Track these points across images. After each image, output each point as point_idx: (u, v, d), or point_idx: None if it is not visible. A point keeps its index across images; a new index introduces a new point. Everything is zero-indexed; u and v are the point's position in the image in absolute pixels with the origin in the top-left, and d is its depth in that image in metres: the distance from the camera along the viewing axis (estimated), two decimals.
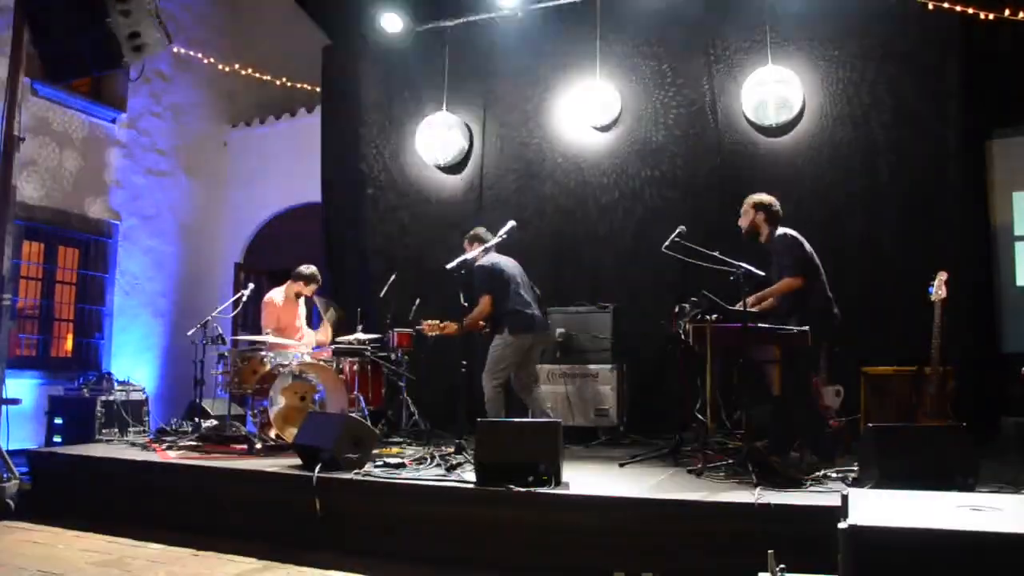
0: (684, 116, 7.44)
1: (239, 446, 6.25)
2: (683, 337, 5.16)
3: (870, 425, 4.28)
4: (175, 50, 9.75)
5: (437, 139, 8.37)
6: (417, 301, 7.33)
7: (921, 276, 5.60)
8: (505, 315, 5.95)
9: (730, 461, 4.76)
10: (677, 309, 5.33)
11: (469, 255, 6.00)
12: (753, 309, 5.06)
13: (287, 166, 10.23)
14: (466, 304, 5.70)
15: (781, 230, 5.35)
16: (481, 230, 6.28)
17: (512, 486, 4.20)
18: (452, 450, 5.42)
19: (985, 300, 6.48)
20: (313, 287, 7.16)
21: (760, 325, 4.89)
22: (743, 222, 5.51)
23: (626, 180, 7.60)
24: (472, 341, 6.24)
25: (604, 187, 7.66)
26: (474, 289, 5.94)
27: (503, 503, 4.21)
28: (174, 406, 9.33)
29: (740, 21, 7.24)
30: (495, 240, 6.07)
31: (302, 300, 7.35)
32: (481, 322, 6.04)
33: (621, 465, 5.20)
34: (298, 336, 7.19)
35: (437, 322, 6.11)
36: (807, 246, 5.28)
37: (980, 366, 6.12)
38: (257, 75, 10.50)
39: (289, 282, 7.19)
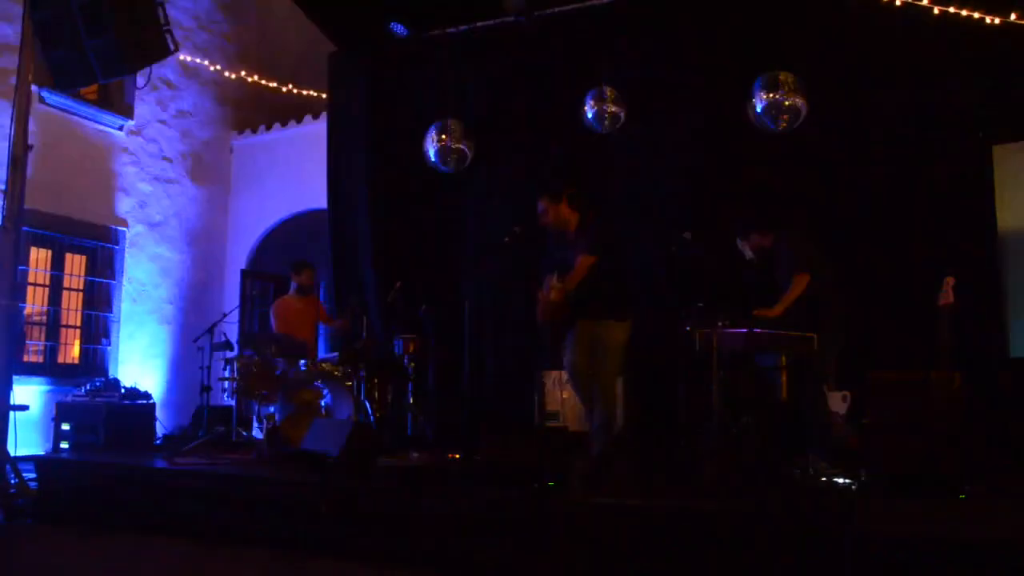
0: (691, 120, 7.43)
1: (246, 452, 6.27)
2: (689, 343, 5.16)
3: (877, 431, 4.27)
4: (182, 58, 9.81)
5: (443, 145, 8.37)
6: (424, 307, 7.34)
7: (928, 281, 5.58)
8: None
9: (736, 468, 4.74)
10: (683, 315, 5.33)
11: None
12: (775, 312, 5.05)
13: (294, 172, 10.26)
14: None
15: (784, 233, 5.37)
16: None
17: (518, 491, 4.20)
18: (458, 456, 5.42)
19: (993, 304, 6.46)
20: (307, 273, 7.25)
21: (766, 331, 4.88)
22: (749, 252, 5.53)
23: (632, 186, 7.60)
24: (477, 346, 6.25)
25: (607, 196, 7.64)
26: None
27: (508, 509, 4.21)
28: (181, 412, 9.36)
29: (743, 18, 7.24)
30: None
31: (314, 300, 7.43)
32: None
33: (627, 471, 5.19)
34: (311, 337, 7.26)
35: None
36: (810, 244, 5.28)
37: (989, 371, 6.10)
38: (263, 82, 10.54)
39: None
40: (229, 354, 7.17)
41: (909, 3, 6.51)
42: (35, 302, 8.80)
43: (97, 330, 9.28)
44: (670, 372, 6.19)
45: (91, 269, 9.32)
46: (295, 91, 10.47)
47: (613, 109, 7.57)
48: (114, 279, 9.41)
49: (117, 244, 9.43)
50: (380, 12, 8.59)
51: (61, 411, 7.50)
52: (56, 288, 9.02)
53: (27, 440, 6.57)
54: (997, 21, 6.28)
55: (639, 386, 7.04)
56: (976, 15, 6.31)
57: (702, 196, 7.28)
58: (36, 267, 8.77)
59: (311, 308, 7.40)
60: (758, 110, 6.96)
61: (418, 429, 7.13)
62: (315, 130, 9.90)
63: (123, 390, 7.73)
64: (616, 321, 5.19)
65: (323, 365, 6.68)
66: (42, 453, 7.02)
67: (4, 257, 5.81)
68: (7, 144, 5.95)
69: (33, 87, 6.41)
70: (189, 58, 10.09)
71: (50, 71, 5.89)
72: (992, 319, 6.41)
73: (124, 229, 9.49)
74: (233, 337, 8.41)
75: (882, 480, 3.80)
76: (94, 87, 9.04)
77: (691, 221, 6.63)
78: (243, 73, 10.50)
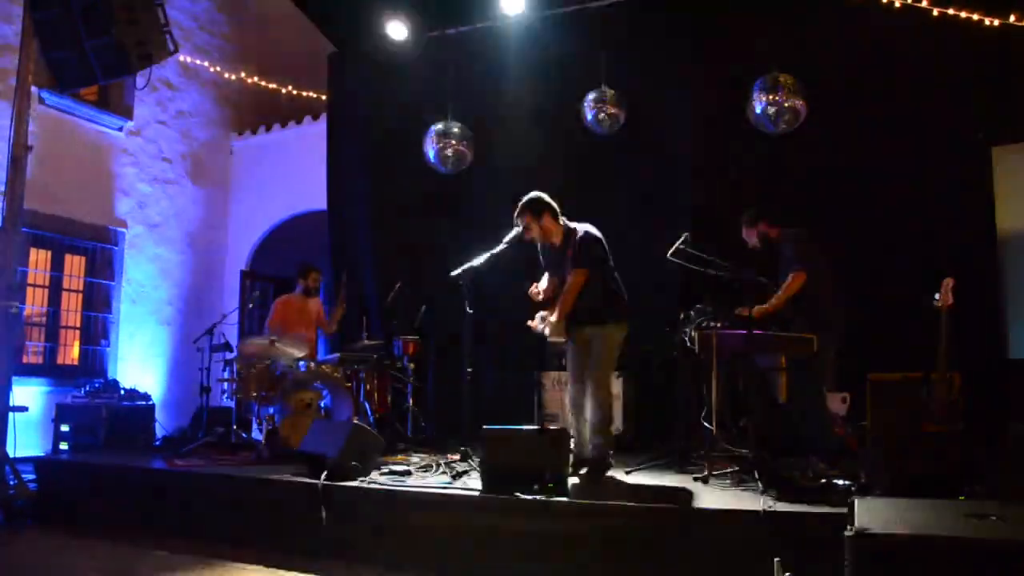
0: (691, 121, 7.43)
1: (245, 453, 6.26)
2: (688, 344, 5.16)
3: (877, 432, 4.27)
4: (181, 59, 9.81)
5: (443, 146, 8.36)
6: (423, 308, 7.34)
7: (927, 282, 5.57)
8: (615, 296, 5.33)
9: (736, 468, 4.74)
10: (682, 316, 5.32)
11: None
12: (766, 308, 5.06)
13: (293, 173, 10.26)
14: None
15: (790, 229, 5.40)
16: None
17: (518, 494, 4.19)
18: (458, 457, 5.42)
19: (992, 306, 6.46)
20: (313, 276, 7.30)
21: (765, 332, 4.88)
22: (754, 239, 5.55)
23: (631, 187, 7.59)
24: (477, 347, 6.23)
25: (605, 195, 7.64)
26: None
27: (508, 511, 4.20)
28: (181, 413, 9.35)
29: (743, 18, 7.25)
30: (499, 248, 6.04)
31: (316, 303, 7.45)
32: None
33: (627, 472, 5.19)
34: (311, 337, 7.27)
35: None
36: (814, 245, 5.30)
37: (987, 372, 6.09)
38: (263, 83, 10.54)
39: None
40: (228, 355, 7.16)
41: (909, 4, 6.51)
42: (34, 303, 8.80)
43: (96, 331, 9.28)
44: (670, 372, 6.19)
45: (90, 270, 9.31)
46: (295, 92, 10.48)
47: (613, 111, 7.56)
48: (113, 280, 9.40)
49: (116, 245, 9.43)
50: (380, 12, 8.57)
51: (60, 412, 7.49)
52: (55, 289, 9.02)
53: (26, 441, 6.55)
54: (996, 22, 6.28)
55: (639, 386, 7.05)
56: (976, 16, 6.31)
57: (701, 196, 7.28)
58: (35, 268, 8.77)
59: (313, 309, 7.41)
60: (758, 111, 6.95)
61: (418, 429, 7.13)
62: (315, 130, 9.90)
63: (122, 391, 7.73)
64: (611, 323, 5.19)
65: (323, 366, 6.68)
66: (41, 454, 7.01)
67: (4, 258, 5.80)
68: (7, 145, 5.95)
69: (33, 87, 6.40)
70: (189, 59, 10.09)
71: (50, 71, 5.88)
72: (992, 320, 6.41)
73: (123, 230, 9.48)
74: (232, 338, 8.41)
75: (880, 481, 3.79)
76: (94, 88, 9.03)
77: (691, 221, 6.63)
78: (243, 74, 10.51)
